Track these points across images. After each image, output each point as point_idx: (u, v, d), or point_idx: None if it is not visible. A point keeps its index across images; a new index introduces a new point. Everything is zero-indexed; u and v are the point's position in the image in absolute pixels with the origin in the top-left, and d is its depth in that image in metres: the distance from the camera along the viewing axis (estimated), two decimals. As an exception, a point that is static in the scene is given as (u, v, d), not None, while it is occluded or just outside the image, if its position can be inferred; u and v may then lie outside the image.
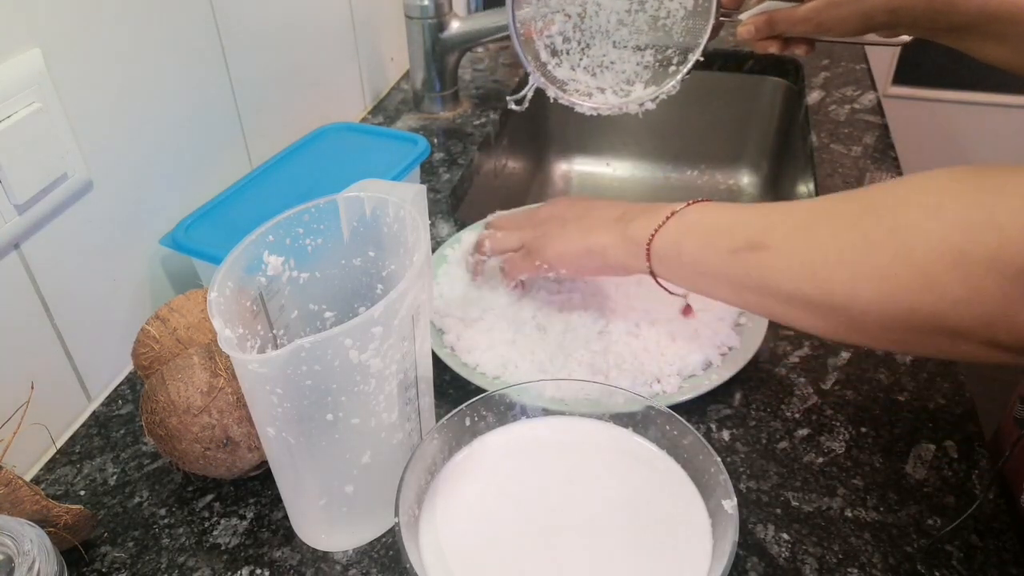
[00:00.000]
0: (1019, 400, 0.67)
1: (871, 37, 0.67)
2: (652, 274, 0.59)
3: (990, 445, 0.60)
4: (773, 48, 0.71)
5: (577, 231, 0.64)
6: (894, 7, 0.63)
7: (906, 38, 0.68)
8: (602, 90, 0.74)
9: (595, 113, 0.74)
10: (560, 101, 0.74)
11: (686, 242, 0.56)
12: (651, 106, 0.73)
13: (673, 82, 0.72)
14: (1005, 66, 0.64)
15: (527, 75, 0.73)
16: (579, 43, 0.74)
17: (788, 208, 0.51)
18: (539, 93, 0.74)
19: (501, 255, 0.71)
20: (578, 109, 0.73)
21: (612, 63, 0.75)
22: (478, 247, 0.72)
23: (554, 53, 0.74)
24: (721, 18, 0.71)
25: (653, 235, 0.57)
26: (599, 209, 0.65)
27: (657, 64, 0.74)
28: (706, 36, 0.71)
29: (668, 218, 0.57)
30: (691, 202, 0.57)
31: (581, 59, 0.75)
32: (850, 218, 0.47)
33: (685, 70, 0.72)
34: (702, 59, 0.71)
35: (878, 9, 0.63)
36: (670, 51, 0.73)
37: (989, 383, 0.85)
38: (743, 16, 0.70)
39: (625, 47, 0.74)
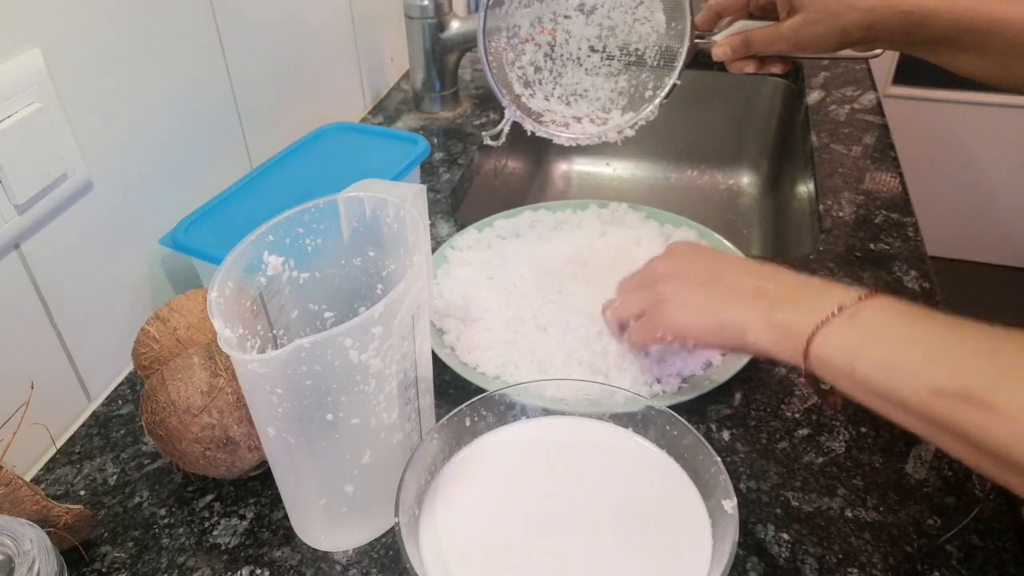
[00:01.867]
0: None
1: (846, 52, 0.67)
2: (805, 373, 0.49)
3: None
4: (749, 68, 0.70)
5: (707, 300, 0.56)
6: (870, 22, 0.62)
7: (879, 51, 0.69)
8: (578, 119, 0.74)
9: (574, 143, 0.72)
10: (538, 134, 0.72)
11: (864, 356, 0.45)
12: (630, 133, 0.72)
13: (651, 107, 0.71)
14: (981, 78, 0.64)
15: (503, 109, 0.72)
16: (551, 72, 0.73)
17: (1013, 352, 0.40)
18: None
19: (622, 324, 0.63)
20: (556, 141, 0.72)
21: (586, 91, 0.74)
22: (604, 312, 0.65)
23: (527, 84, 0.73)
24: (696, 40, 0.70)
25: (814, 333, 0.47)
26: (731, 274, 0.56)
27: (633, 89, 0.73)
28: (682, 59, 0.70)
29: (833, 315, 0.47)
30: (863, 296, 0.47)
31: (554, 88, 0.74)
32: None
33: (663, 94, 0.71)
34: (679, 83, 0.70)
35: (855, 26, 0.63)
36: (645, 75, 0.72)
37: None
38: (718, 37, 0.70)
39: (598, 74, 0.73)
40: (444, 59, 1.06)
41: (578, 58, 0.73)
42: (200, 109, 0.76)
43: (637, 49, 0.72)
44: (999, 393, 0.39)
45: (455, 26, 1.03)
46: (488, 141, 0.72)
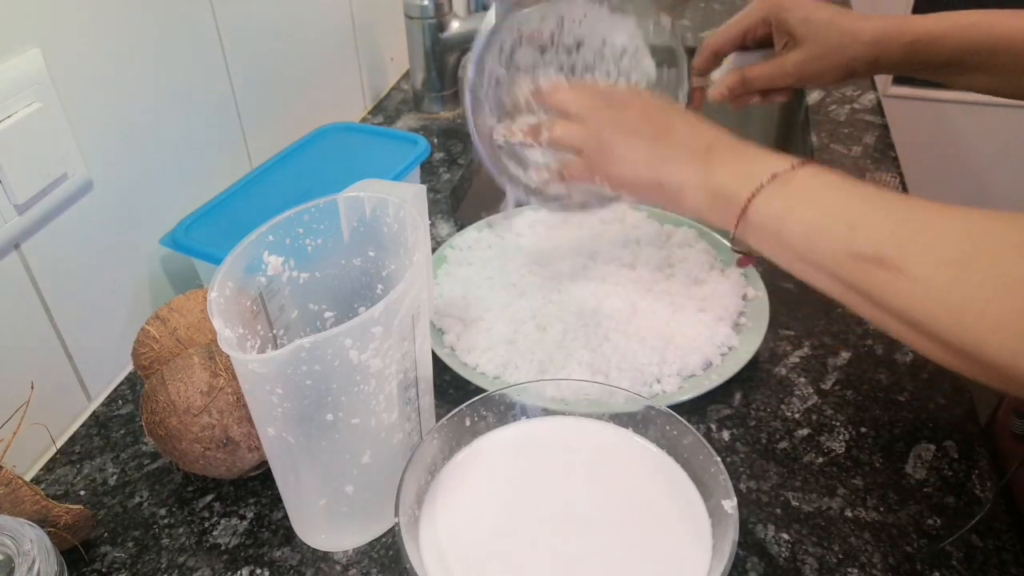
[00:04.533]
0: (1014, 415, 0.66)
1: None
2: (733, 236, 0.51)
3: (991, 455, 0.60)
4: (754, 101, 0.69)
5: (649, 156, 0.54)
6: (875, 56, 0.63)
7: None
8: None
9: (583, 212, 0.67)
10: (546, 210, 0.66)
11: (792, 221, 0.47)
12: None
13: None
14: (986, 92, 0.64)
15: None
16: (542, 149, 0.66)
17: (927, 220, 0.42)
18: None
19: (556, 150, 0.60)
20: (567, 212, 0.65)
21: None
22: (533, 132, 0.61)
23: (520, 162, 0.66)
24: (694, 84, 0.68)
25: (750, 200, 0.48)
26: (677, 131, 0.55)
27: None
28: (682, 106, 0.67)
29: (768, 181, 0.48)
30: (795, 164, 0.48)
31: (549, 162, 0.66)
32: (1013, 259, 0.38)
33: None
34: None
35: (860, 59, 0.63)
36: None
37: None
38: (716, 74, 0.68)
39: None
40: (444, 59, 1.06)
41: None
42: (200, 109, 0.76)
43: None
44: (908, 257, 0.41)
45: (455, 26, 1.03)
46: (490, 227, 0.68)
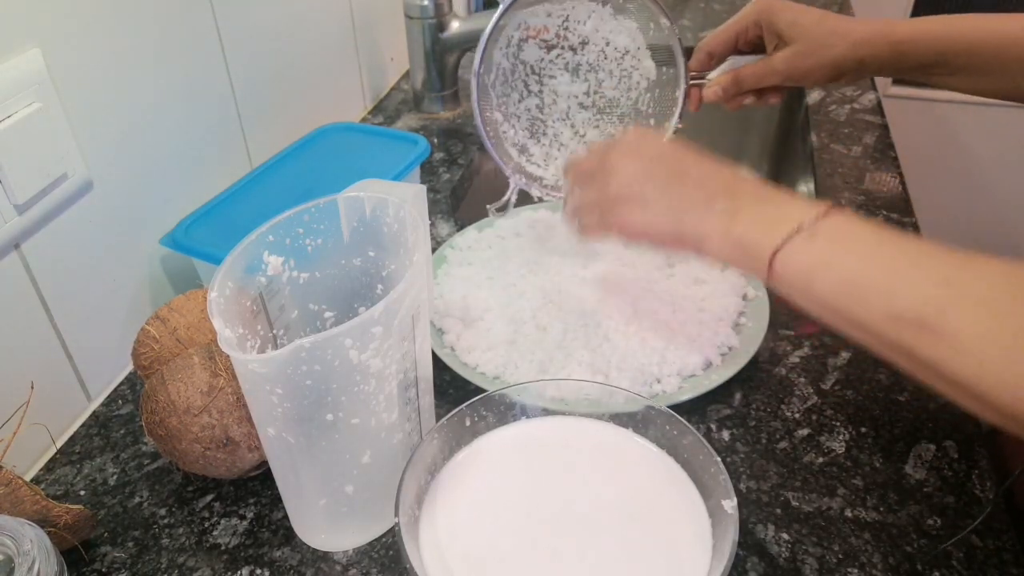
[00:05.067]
0: None
1: None
2: (769, 284, 0.49)
3: (996, 453, 0.60)
4: (748, 101, 0.71)
5: (665, 208, 0.52)
6: (861, 56, 0.64)
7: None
8: None
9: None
10: (546, 199, 0.73)
11: (822, 278, 0.45)
12: None
13: None
14: (973, 93, 0.65)
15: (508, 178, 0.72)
16: (547, 135, 0.74)
17: (967, 282, 0.41)
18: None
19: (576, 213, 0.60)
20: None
21: (585, 142, 0.75)
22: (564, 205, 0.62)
23: (523, 150, 0.73)
24: (691, 83, 0.71)
25: (775, 253, 0.46)
26: (689, 180, 0.52)
27: None
28: (679, 105, 0.71)
29: (793, 234, 0.46)
30: (820, 214, 0.46)
31: (552, 148, 0.74)
32: None
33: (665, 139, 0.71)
34: (680, 126, 0.72)
35: (846, 58, 0.64)
36: (643, 122, 0.73)
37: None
38: (713, 74, 0.71)
39: (596, 127, 0.75)
40: (444, 59, 1.06)
41: (568, 115, 0.74)
42: (200, 109, 0.76)
43: (629, 100, 0.73)
44: (952, 323, 0.39)
45: (455, 26, 1.03)
46: (493, 214, 0.72)
